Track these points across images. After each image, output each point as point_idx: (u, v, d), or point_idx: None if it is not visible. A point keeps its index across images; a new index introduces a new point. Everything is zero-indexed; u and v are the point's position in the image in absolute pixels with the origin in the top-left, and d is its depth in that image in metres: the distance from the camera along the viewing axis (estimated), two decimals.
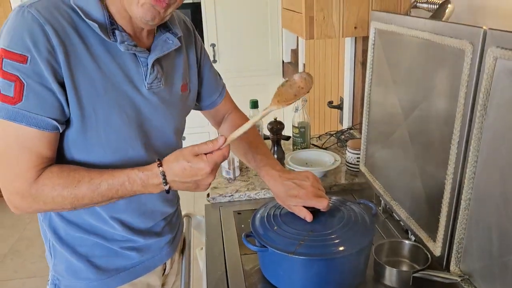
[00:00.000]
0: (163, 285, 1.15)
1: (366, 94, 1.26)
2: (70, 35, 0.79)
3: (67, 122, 0.84)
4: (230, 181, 1.46)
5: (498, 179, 0.73)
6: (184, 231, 1.26)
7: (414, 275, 0.90)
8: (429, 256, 0.94)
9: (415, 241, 1.00)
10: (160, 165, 0.83)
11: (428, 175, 0.95)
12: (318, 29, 1.26)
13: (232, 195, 1.38)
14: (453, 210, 0.85)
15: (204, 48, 1.12)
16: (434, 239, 0.92)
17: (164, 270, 1.12)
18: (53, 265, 0.98)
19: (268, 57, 3.45)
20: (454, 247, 0.85)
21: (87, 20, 0.80)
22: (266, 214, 1.00)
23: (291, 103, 0.83)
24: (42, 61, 0.76)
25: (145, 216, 1.00)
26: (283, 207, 1.01)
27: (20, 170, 0.80)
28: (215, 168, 0.84)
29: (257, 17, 3.31)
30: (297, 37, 3.00)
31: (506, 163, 0.70)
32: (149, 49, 0.91)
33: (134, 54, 0.87)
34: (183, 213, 1.40)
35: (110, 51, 0.84)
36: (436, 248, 0.90)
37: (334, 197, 1.04)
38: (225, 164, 1.46)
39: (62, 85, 0.79)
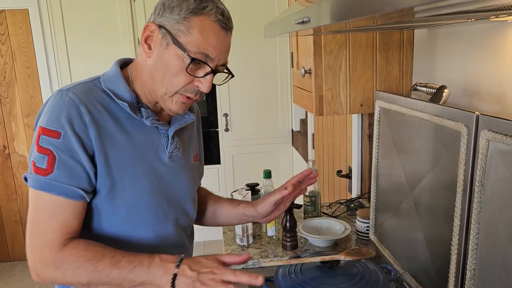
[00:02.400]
0: None
1: (373, 165, 1.34)
2: (102, 112, 0.90)
3: (95, 192, 0.91)
4: (243, 248, 1.51)
5: (499, 251, 0.78)
6: None
7: None
8: None
9: None
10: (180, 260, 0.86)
11: (435, 246, 1.00)
12: (327, 106, 1.38)
13: (245, 263, 1.42)
14: (459, 280, 0.90)
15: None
16: None
17: None
18: None
19: (278, 126, 3.59)
20: None
21: (117, 100, 0.92)
22: (289, 266, 1.11)
23: (353, 259, 1.10)
24: (74, 137, 0.85)
25: None
26: (304, 264, 1.11)
27: (48, 238, 0.85)
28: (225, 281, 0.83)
29: (267, 88, 3.49)
30: None
31: (505, 236, 0.76)
32: (169, 123, 1.02)
33: (157, 127, 0.98)
34: None
35: (136, 125, 0.95)
36: None
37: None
38: (239, 232, 1.52)
39: (91, 158, 0.88)
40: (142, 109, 0.95)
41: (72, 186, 0.86)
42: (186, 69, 0.88)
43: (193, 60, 0.88)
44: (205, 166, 1.25)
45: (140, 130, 0.96)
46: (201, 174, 1.20)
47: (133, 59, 1.02)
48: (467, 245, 0.86)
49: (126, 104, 0.92)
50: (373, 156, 1.33)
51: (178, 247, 1.04)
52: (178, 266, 0.84)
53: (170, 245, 1.01)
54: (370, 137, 1.76)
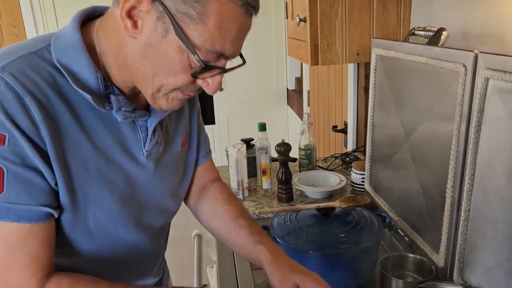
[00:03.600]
0: None
1: (369, 117, 1.32)
2: (55, 104, 0.64)
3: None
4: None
5: (494, 191, 0.78)
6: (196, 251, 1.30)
7: (419, 286, 0.93)
8: (433, 268, 0.98)
9: (419, 254, 1.05)
10: None
11: (430, 191, 1.00)
12: (322, 56, 1.35)
13: None
14: (453, 222, 0.90)
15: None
16: (437, 251, 0.97)
17: None
18: None
19: (272, 85, 3.55)
20: (456, 257, 0.89)
21: (78, 90, 0.65)
22: (284, 215, 1.10)
23: (348, 206, 1.07)
24: (23, 139, 0.61)
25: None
26: (299, 212, 1.09)
27: (16, 282, 0.64)
28: None
29: (262, 47, 3.43)
30: (301, 65, 3.11)
31: (501, 176, 0.76)
32: (147, 108, 0.76)
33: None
34: (193, 232, 1.45)
35: (103, 117, 0.69)
36: (440, 260, 0.95)
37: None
38: (234, 185, 1.51)
39: (49, 164, 0.64)
40: (112, 97, 0.69)
41: (33, 205, 0.63)
42: (193, 75, 0.65)
43: (205, 67, 0.64)
44: None
45: (108, 123, 0.70)
46: (192, 157, 0.94)
47: (102, 10, 0.72)
48: (462, 187, 0.86)
49: (90, 96, 0.66)
50: (369, 106, 1.31)
51: (151, 254, 0.88)
52: None
53: (142, 253, 0.84)
54: (366, 89, 1.73)
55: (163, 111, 0.74)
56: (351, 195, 1.14)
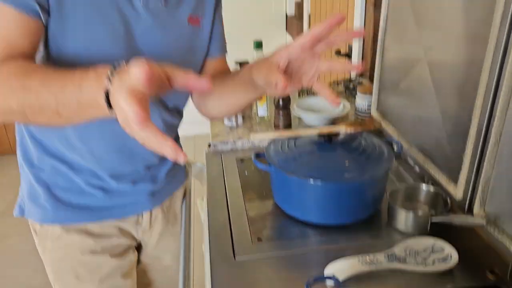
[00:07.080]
0: (140, 244, 1.08)
1: (380, 36, 1.16)
2: None
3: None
4: (231, 129, 1.38)
5: None
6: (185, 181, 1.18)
7: (434, 220, 0.83)
8: (448, 200, 0.87)
9: (433, 185, 0.93)
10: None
11: (452, 113, 0.87)
12: None
13: (234, 142, 1.30)
14: (479, 147, 0.77)
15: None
16: (455, 181, 0.85)
17: (140, 223, 1.02)
18: (21, 187, 0.95)
19: (271, 10, 3.30)
20: (480, 186, 0.77)
21: None
22: (281, 142, 0.99)
23: (355, 130, 0.98)
24: None
25: (122, 155, 0.89)
26: (297, 140, 0.98)
27: None
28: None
29: None
30: None
31: None
32: None
33: None
34: None
35: None
36: (458, 191, 0.83)
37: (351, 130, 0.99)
38: None
39: None
40: None
41: None
42: None
43: None
44: None
45: None
46: (204, 45, 0.92)
47: None
48: (495, 105, 0.72)
49: None
50: (381, 25, 1.14)
51: None
52: (110, 79, 0.53)
53: None
54: (376, 6, 1.54)
55: None
56: (358, 118, 1.00)
